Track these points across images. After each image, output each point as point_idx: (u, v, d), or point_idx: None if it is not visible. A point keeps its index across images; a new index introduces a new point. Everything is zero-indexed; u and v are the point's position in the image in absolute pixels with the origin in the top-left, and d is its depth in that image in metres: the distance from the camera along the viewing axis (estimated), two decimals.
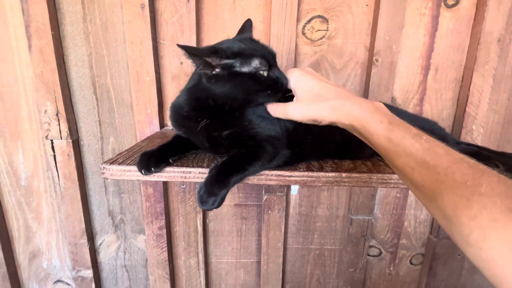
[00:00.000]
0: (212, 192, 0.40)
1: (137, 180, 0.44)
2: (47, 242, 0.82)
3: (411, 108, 0.75)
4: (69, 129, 0.71)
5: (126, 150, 0.51)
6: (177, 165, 0.44)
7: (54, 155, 0.73)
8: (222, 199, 0.41)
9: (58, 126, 0.71)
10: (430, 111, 0.75)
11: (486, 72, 0.69)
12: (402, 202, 0.82)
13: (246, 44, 0.46)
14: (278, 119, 0.47)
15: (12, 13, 0.66)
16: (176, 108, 0.49)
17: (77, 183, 0.75)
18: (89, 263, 0.81)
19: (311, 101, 0.42)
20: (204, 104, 0.45)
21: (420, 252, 0.86)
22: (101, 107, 0.74)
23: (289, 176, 0.44)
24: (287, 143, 0.46)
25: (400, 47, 0.70)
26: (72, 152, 0.73)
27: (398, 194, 0.81)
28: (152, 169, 0.42)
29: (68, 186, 0.75)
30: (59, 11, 0.67)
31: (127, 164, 0.43)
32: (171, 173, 0.43)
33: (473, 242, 0.24)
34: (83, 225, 0.78)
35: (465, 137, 0.73)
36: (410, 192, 0.68)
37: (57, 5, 0.66)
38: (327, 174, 0.44)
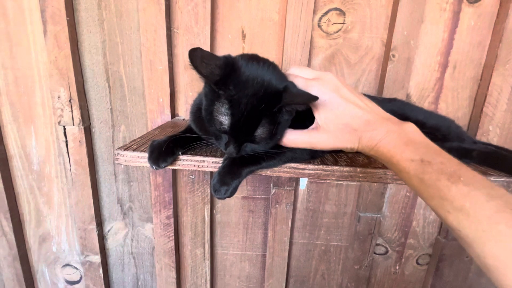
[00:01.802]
0: (224, 182, 0.40)
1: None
2: (57, 227, 0.84)
3: (426, 106, 0.73)
4: (82, 115, 0.72)
5: (139, 137, 0.51)
6: (190, 154, 0.44)
7: (66, 141, 0.73)
8: (235, 189, 0.41)
9: (70, 113, 0.71)
10: (445, 110, 0.73)
11: (506, 71, 0.67)
12: (412, 202, 0.81)
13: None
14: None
15: None
16: (196, 108, 0.48)
17: (87, 170, 0.76)
18: (97, 249, 0.83)
19: (339, 132, 0.38)
20: None
21: (427, 252, 0.86)
22: (113, 95, 0.74)
23: (303, 169, 0.43)
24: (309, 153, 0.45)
25: (418, 42, 0.68)
26: (84, 139, 0.73)
27: (407, 193, 0.80)
28: (162, 165, 0.42)
29: (78, 172, 0.76)
30: None
31: (141, 151, 0.43)
32: (185, 161, 0.43)
33: None
34: (93, 211, 0.79)
35: (481, 138, 0.72)
36: None
37: None
38: (341, 168, 0.43)
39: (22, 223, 0.83)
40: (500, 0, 0.66)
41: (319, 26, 0.69)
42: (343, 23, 0.69)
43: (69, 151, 0.74)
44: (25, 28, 0.69)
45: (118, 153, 0.42)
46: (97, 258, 0.84)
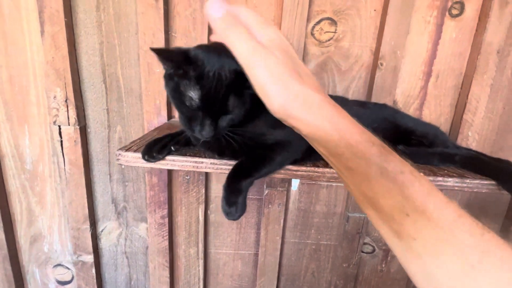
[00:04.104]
0: (230, 202, 0.43)
1: (151, 167, 0.46)
2: (49, 226, 0.84)
3: (411, 112, 0.77)
4: (77, 115, 0.72)
5: (138, 139, 0.52)
6: (189, 155, 0.45)
7: (61, 141, 0.74)
8: (243, 205, 0.44)
9: (66, 113, 0.72)
10: (429, 116, 0.78)
11: (484, 81, 0.72)
12: None
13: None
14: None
15: None
16: None
17: (82, 170, 0.76)
18: (90, 249, 0.83)
19: (289, 77, 0.27)
20: None
21: None
22: (110, 96, 0.75)
23: (296, 171, 0.46)
24: (297, 149, 0.46)
25: (404, 52, 0.72)
26: (79, 139, 0.74)
27: None
28: (154, 154, 0.44)
29: (73, 172, 0.76)
30: None
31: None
32: (184, 162, 0.45)
33: None
34: (86, 211, 0.79)
35: (461, 143, 0.76)
36: None
37: None
38: (332, 170, 0.46)
39: (13, 223, 0.82)
40: (479, 15, 0.71)
41: (312, 34, 0.72)
42: (335, 32, 0.72)
43: (64, 151, 0.74)
44: (21, 27, 0.69)
45: (119, 154, 0.44)
46: (90, 258, 0.84)
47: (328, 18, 0.71)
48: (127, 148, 0.45)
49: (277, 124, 0.33)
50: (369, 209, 0.27)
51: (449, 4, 0.70)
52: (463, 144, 0.76)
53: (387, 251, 0.89)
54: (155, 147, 0.45)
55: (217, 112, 0.38)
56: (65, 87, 0.70)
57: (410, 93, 0.76)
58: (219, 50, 0.37)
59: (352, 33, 0.72)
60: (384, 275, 0.92)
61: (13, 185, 0.79)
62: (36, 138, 0.76)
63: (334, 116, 0.27)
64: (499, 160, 0.54)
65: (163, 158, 0.45)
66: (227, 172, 0.44)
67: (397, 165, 0.26)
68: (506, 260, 0.21)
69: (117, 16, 0.69)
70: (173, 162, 0.45)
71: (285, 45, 0.29)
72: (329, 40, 0.73)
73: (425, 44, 0.73)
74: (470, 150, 0.61)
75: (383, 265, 0.91)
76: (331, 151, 0.28)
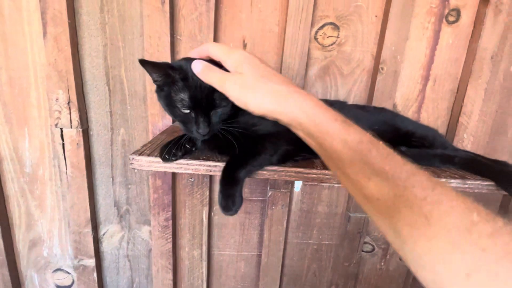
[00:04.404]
0: (227, 195, 0.43)
1: (165, 171, 0.46)
2: (49, 231, 0.82)
3: (410, 115, 0.80)
4: (80, 118, 0.72)
5: (149, 142, 0.52)
6: (203, 159, 0.46)
7: (63, 144, 0.73)
8: (239, 198, 0.44)
9: (69, 115, 0.71)
10: (426, 119, 0.80)
11: (479, 85, 0.76)
12: None
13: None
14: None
15: None
16: None
17: (84, 173, 0.75)
18: (92, 252, 0.82)
19: (255, 82, 0.35)
20: None
21: None
22: (113, 98, 0.74)
23: (307, 173, 0.47)
24: (287, 138, 0.47)
25: (404, 57, 0.75)
26: (82, 142, 0.73)
27: None
28: (173, 151, 0.45)
29: (75, 175, 0.75)
30: (76, 0, 0.67)
31: (155, 156, 0.45)
32: (198, 166, 0.45)
33: (428, 265, 0.23)
34: (88, 214, 0.78)
35: (457, 144, 0.79)
36: None
37: None
38: None
39: (11, 227, 0.81)
40: (474, 22, 0.74)
41: (316, 38, 0.73)
42: (337, 37, 0.74)
43: (65, 154, 0.73)
44: (22, 28, 0.68)
45: (132, 158, 0.44)
46: (91, 262, 0.83)
47: (331, 23, 0.73)
48: (140, 152, 0.45)
49: None
50: (346, 182, 0.31)
51: (446, 11, 0.73)
52: (459, 146, 0.79)
53: (385, 249, 0.92)
54: (173, 146, 0.46)
55: (206, 107, 0.43)
56: (68, 89, 0.69)
57: (409, 96, 0.79)
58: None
59: (354, 38, 0.74)
60: (383, 273, 0.95)
61: (11, 188, 0.78)
62: (36, 140, 0.75)
63: (301, 101, 0.33)
64: (496, 162, 0.56)
65: (181, 157, 0.46)
66: None
67: (356, 136, 0.30)
68: (456, 208, 0.23)
69: (121, 18, 0.69)
70: (187, 165, 0.45)
71: (250, 60, 0.37)
72: (332, 44, 0.74)
73: (423, 50, 0.75)
74: (468, 152, 0.63)
75: (382, 264, 0.94)
76: (306, 132, 0.34)
